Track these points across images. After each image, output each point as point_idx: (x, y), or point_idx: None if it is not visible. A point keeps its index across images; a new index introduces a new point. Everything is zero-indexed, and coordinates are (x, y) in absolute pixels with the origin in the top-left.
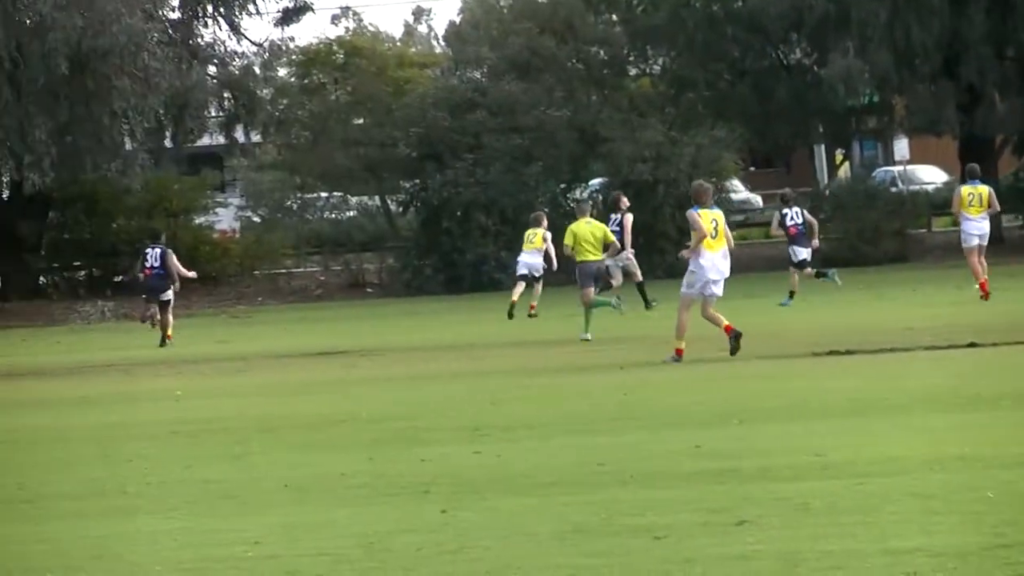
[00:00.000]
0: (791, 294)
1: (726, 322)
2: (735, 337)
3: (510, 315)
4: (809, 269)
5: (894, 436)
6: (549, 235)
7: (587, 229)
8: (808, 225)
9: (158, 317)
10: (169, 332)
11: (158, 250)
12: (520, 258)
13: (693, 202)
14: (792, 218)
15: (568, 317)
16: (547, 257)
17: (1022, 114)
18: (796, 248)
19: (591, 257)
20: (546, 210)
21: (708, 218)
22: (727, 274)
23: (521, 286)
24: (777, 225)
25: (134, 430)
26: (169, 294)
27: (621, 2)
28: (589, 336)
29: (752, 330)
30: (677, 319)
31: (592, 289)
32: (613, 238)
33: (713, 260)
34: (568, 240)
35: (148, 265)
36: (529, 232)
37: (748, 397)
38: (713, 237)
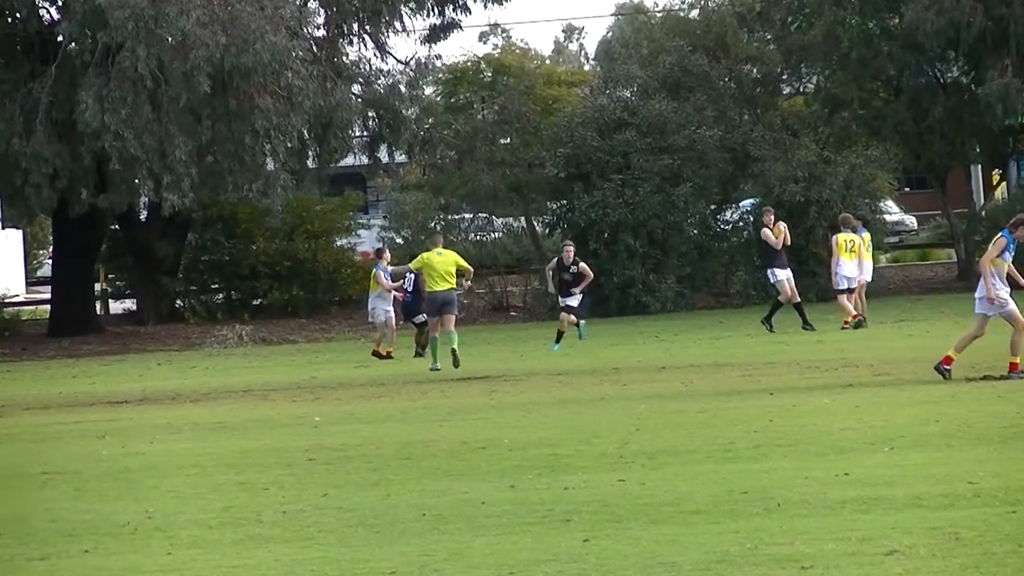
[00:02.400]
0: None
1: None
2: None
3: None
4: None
5: None
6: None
7: (439, 260)
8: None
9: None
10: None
11: (413, 274)
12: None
13: None
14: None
15: (712, 340)
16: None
17: None
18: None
19: (440, 287)
20: (695, 232)
21: None
22: None
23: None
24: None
25: (270, 457)
26: (423, 316)
27: (775, 20)
28: (438, 367)
29: (906, 355)
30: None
31: (436, 320)
32: (465, 265)
33: None
34: (415, 264)
35: (405, 288)
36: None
37: (899, 424)
38: None
